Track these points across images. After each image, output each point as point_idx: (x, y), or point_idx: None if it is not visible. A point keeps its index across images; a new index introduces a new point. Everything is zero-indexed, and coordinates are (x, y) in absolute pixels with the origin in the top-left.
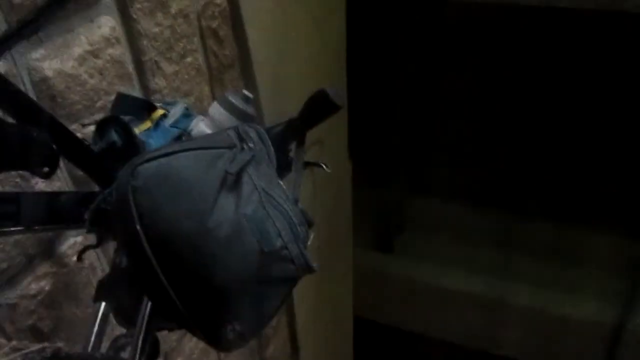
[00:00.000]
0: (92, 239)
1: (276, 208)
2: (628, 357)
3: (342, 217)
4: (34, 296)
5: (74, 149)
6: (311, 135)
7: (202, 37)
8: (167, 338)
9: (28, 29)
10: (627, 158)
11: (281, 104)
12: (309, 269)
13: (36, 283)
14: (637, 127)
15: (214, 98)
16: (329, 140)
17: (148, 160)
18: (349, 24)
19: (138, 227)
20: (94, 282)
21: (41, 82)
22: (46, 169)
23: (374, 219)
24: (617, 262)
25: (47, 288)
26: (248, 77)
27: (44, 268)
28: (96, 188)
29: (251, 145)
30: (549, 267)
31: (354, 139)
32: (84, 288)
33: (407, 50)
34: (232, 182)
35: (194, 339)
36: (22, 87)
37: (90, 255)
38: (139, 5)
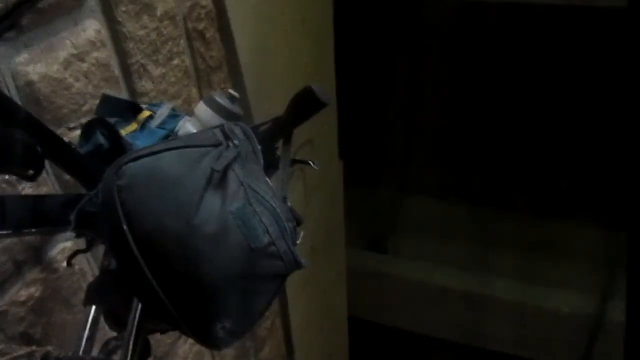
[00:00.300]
0: (81, 243)
1: (262, 204)
2: (608, 348)
3: (335, 217)
4: (23, 303)
5: (60, 152)
6: (302, 135)
7: (189, 39)
8: (161, 342)
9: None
10: (607, 152)
11: (270, 105)
12: (297, 265)
13: (26, 289)
14: (618, 121)
15: None
16: (319, 140)
17: (133, 160)
18: (338, 24)
19: (124, 226)
20: (84, 287)
21: (26, 87)
22: (31, 172)
23: (366, 219)
24: (590, 255)
25: (37, 294)
26: (236, 79)
27: (33, 274)
28: (84, 191)
29: (236, 142)
30: (537, 262)
31: (345, 139)
32: (74, 293)
33: (397, 50)
34: (218, 179)
35: (188, 343)
36: (6, 92)
37: (81, 260)
38: (124, 8)
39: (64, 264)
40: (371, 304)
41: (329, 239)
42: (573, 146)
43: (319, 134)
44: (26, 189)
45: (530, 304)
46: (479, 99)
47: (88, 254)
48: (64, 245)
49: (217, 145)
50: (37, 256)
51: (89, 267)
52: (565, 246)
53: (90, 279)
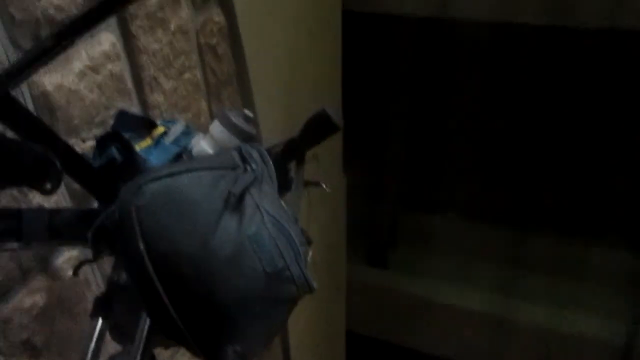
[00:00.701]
0: (88, 253)
1: (278, 228)
2: None
3: (337, 232)
4: (27, 310)
5: (75, 165)
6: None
7: (201, 54)
8: (160, 356)
9: (45, 57)
10: (632, 174)
11: (278, 120)
12: (310, 289)
13: (30, 297)
14: None
15: (211, 114)
16: (323, 155)
17: (152, 180)
18: (344, 41)
19: (141, 246)
20: (89, 297)
21: (41, 97)
22: (49, 186)
23: (368, 234)
24: (621, 278)
25: (41, 302)
26: (245, 93)
27: (38, 282)
28: (94, 203)
29: (254, 166)
30: (549, 283)
31: (348, 154)
32: (78, 302)
33: (401, 66)
34: (235, 203)
35: (187, 355)
36: (22, 101)
37: (85, 270)
38: (139, 22)
39: (70, 272)
40: (371, 319)
41: (330, 253)
42: (597, 165)
43: (324, 149)
44: (37, 197)
45: (538, 325)
46: (487, 113)
47: (93, 264)
48: (70, 254)
49: (234, 168)
50: (43, 264)
51: (93, 277)
52: (587, 268)
53: (94, 288)
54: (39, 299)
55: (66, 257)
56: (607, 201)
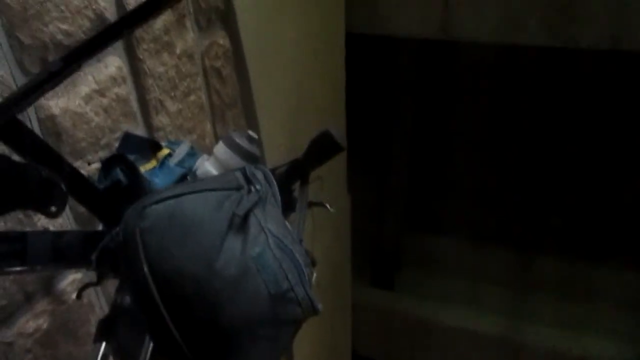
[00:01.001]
0: (92, 276)
1: (282, 250)
2: None
3: (342, 252)
4: (30, 334)
5: (80, 187)
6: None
7: (206, 76)
8: None
9: (52, 81)
10: (637, 193)
11: (282, 140)
12: (314, 311)
13: (34, 321)
14: None
15: (216, 135)
16: (328, 176)
17: (157, 202)
18: (348, 62)
19: (145, 268)
20: (92, 320)
21: (47, 120)
22: (54, 209)
23: (373, 255)
24: (629, 299)
25: (44, 326)
26: (249, 115)
27: (42, 305)
28: (99, 226)
29: (258, 186)
30: (556, 304)
31: (353, 175)
32: (81, 326)
33: (404, 87)
34: (239, 224)
35: None
36: (28, 124)
37: (89, 293)
38: (145, 46)
39: (74, 295)
40: (376, 341)
41: (336, 274)
42: (611, 188)
43: (328, 169)
44: (42, 219)
45: (546, 347)
46: (492, 134)
47: (97, 287)
48: (74, 277)
49: (238, 188)
50: (47, 287)
51: (97, 300)
52: (596, 289)
53: (98, 311)
54: (42, 322)
55: (70, 280)
56: (615, 223)
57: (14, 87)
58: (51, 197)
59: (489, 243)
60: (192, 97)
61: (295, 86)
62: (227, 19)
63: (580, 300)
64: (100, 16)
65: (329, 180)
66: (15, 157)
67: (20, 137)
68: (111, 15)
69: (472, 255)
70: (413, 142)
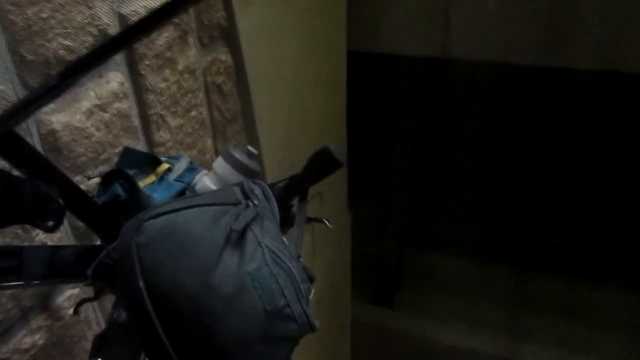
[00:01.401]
0: (89, 291)
1: (279, 265)
2: None
3: (341, 269)
4: (27, 350)
5: (79, 202)
6: (312, 187)
7: (207, 92)
8: None
9: (52, 93)
10: (637, 214)
11: (282, 156)
12: (311, 328)
13: (30, 337)
14: None
15: (216, 151)
16: (328, 192)
17: (154, 217)
18: (349, 80)
19: (141, 283)
20: (89, 336)
21: (49, 135)
22: (51, 223)
23: (373, 272)
24: (628, 320)
25: (40, 342)
26: (250, 130)
27: (38, 321)
28: (97, 240)
29: (256, 201)
30: (555, 324)
31: (353, 192)
32: (78, 342)
33: (405, 103)
34: (236, 239)
35: None
36: (29, 139)
37: (86, 308)
38: (147, 62)
39: (70, 311)
40: (375, 359)
41: (335, 291)
42: (601, 206)
43: (329, 186)
44: (40, 234)
45: None
46: (494, 153)
47: (94, 302)
48: (71, 292)
49: (236, 204)
50: (44, 303)
51: (94, 316)
52: (593, 310)
53: (95, 327)
54: (38, 338)
55: (67, 295)
56: (614, 243)
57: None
58: (48, 212)
59: (489, 262)
60: (193, 113)
61: (296, 103)
62: (229, 36)
63: (579, 321)
64: (103, 32)
65: (330, 197)
66: (15, 172)
67: (18, 151)
68: (114, 31)
69: (472, 274)
70: (414, 160)
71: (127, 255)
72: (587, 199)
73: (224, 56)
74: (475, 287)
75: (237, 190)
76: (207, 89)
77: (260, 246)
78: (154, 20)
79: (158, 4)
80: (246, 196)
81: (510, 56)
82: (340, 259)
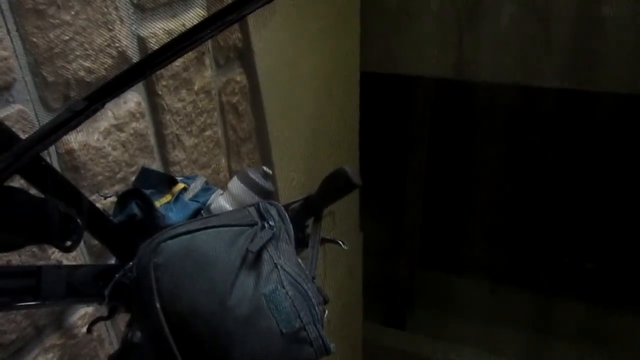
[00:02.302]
0: (102, 309)
1: (295, 288)
2: None
3: (353, 290)
4: None
5: (96, 222)
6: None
7: (222, 112)
8: None
9: (74, 121)
10: None
11: (295, 175)
12: (326, 351)
13: (43, 355)
14: None
15: (230, 170)
16: (340, 212)
17: (171, 237)
18: (362, 101)
19: (158, 304)
20: (101, 355)
21: (66, 154)
22: (69, 243)
23: (384, 293)
24: None
25: None
26: (264, 150)
27: (52, 340)
28: (112, 259)
29: (272, 223)
30: (572, 351)
31: (365, 212)
32: None
33: (419, 124)
34: (253, 261)
35: None
36: (47, 159)
37: (100, 327)
38: (164, 83)
39: (84, 329)
40: None
41: (346, 312)
42: (620, 229)
43: (340, 205)
44: (55, 252)
45: None
46: (510, 174)
47: (107, 321)
48: (85, 310)
49: (252, 225)
50: (57, 321)
51: (107, 334)
52: (610, 334)
53: (107, 346)
54: (52, 357)
55: (81, 313)
56: (635, 267)
57: (36, 123)
58: (68, 232)
59: (501, 284)
60: (208, 132)
61: (310, 123)
62: (244, 56)
63: (599, 346)
64: (122, 54)
65: (341, 217)
66: (33, 191)
67: (38, 171)
68: (132, 53)
69: (485, 296)
70: (426, 180)
71: (144, 276)
72: (609, 222)
73: (239, 76)
74: (488, 309)
75: (253, 211)
76: (222, 108)
77: (277, 267)
78: (178, 48)
79: (174, 25)
80: (262, 217)
81: (526, 79)
82: (351, 279)
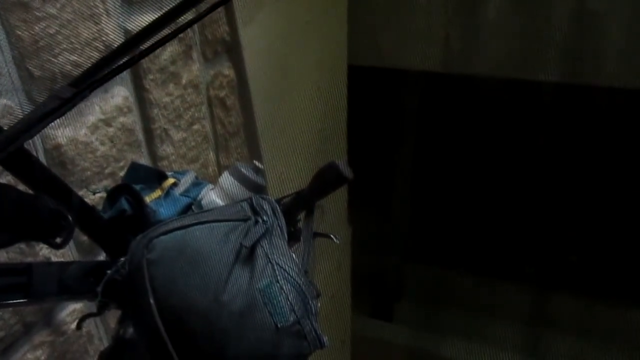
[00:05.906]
0: (92, 306)
1: (289, 282)
2: None
3: (341, 283)
4: None
5: (86, 218)
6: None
7: (210, 106)
8: None
9: (59, 110)
10: None
11: (285, 169)
12: (320, 345)
13: (32, 352)
14: None
15: (219, 164)
16: (328, 206)
17: (164, 233)
18: (350, 94)
19: (151, 300)
20: (91, 351)
21: (53, 150)
22: (59, 240)
23: (373, 285)
24: None
25: (43, 358)
26: (252, 144)
27: (41, 337)
28: (101, 255)
29: (265, 218)
30: (566, 343)
31: (354, 205)
32: (80, 357)
33: (407, 117)
34: (246, 256)
35: None
36: (34, 154)
37: (89, 323)
38: (152, 77)
39: (73, 326)
40: None
41: (334, 304)
42: (632, 224)
43: (329, 199)
44: (44, 249)
45: None
46: (501, 165)
47: (97, 317)
48: (74, 307)
49: (245, 220)
50: (46, 318)
51: (96, 331)
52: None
53: (97, 342)
54: (40, 354)
55: (70, 310)
56: (635, 261)
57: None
58: (58, 229)
59: (489, 276)
60: (196, 127)
61: (298, 116)
62: (232, 50)
63: (593, 339)
64: (109, 48)
65: (330, 211)
66: (21, 187)
67: (27, 166)
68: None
69: (472, 288)
70: (416, 174)
71: (138, 272)
72: (606, 215)
73: (227, 70)
74: (475, 301)
75: (245, 205)
76: (210, 102)
77: (270, 262)
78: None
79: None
80: (255, 212)
81: (513, 72)
82: (339, 272)
